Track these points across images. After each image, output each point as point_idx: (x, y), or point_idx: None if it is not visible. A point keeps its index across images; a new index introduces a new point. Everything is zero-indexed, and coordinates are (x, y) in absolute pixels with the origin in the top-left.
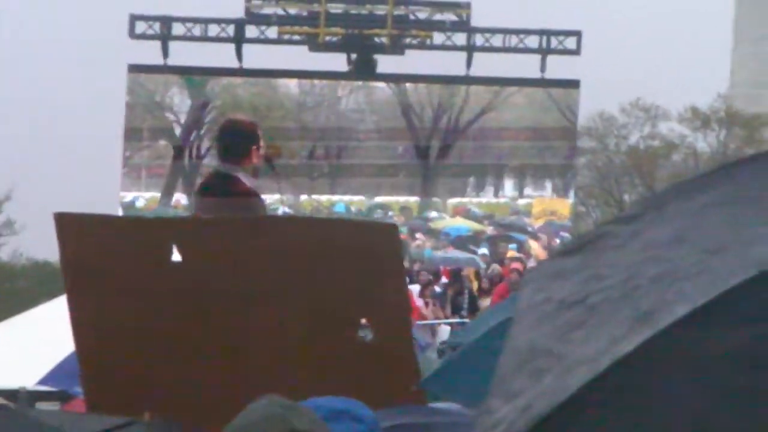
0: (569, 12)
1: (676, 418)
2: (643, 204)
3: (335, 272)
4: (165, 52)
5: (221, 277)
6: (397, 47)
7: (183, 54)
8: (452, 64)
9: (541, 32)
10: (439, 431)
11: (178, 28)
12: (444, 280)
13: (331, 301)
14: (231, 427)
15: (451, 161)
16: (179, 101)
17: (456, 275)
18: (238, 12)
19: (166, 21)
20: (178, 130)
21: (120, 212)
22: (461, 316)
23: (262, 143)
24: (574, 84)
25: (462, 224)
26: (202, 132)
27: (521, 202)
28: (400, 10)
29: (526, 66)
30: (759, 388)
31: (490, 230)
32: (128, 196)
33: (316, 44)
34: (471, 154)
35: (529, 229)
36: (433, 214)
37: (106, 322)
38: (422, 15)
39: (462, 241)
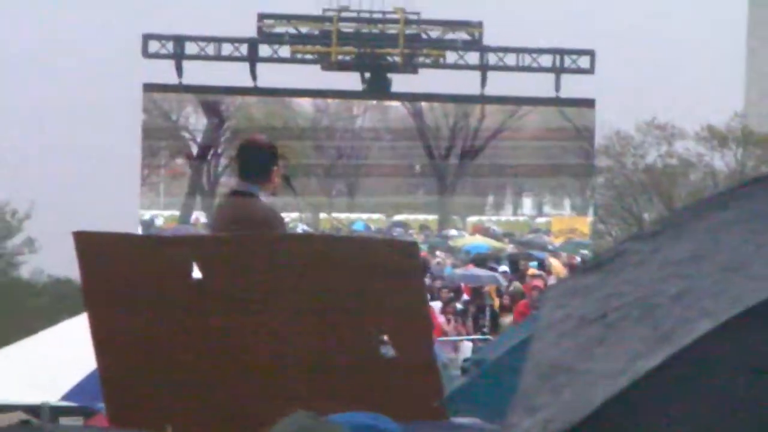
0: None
1: None
2: (662, 222)
3: (356, 289)
4: (179, 71)
5: (241, 294)
6: (409, 66)
7: (197, 73)
8: (466, 83)
9: (554, 51)
10: None
11: (191, 48)
12: (465, 297)
13: (352, 317)
14: None
15: (468, 179)
16: (194, 120)
17: (477, 292)
18: (251, 31)
19: (179, 40)
20: (194, 149)
21: (139, 230)
22: (483, 333)
23: (281, 163)
24: (589, 103)
25: (481, 242)
26: (219, 150)
27: (540, 220)
28: (412, 29)
29: (541, 85)
30: None
31: (510, 248)
32: (147, 215)
33: (328, 63)
34: (488, 172)
35: (549, 246)
36: (453, 232)
37: (127, 339)
38: (434, 34)
39: (481, 259)
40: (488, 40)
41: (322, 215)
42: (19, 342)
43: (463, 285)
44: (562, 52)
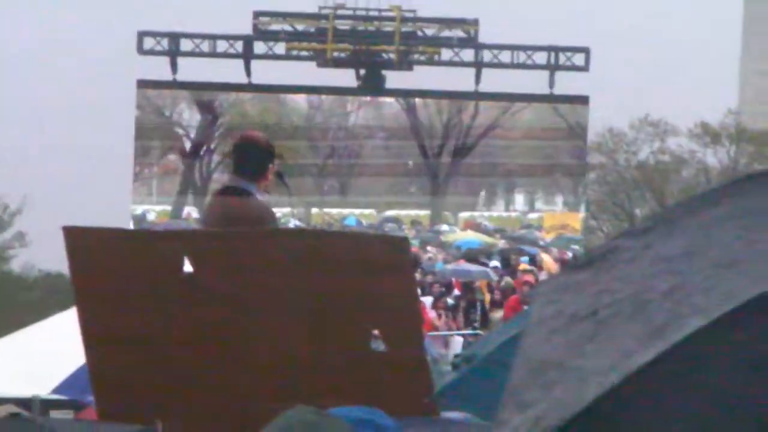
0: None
1: (689, 431)
2: (654, 218)
3: (346, 284)
4: (174, 68)
5: (232, 289)
6: (405, 63)
7: (191, 69)
8: (461, 80)
9: (549, 48)
10: None
11: (186, 44)
12: (456, 292)
13: (342, 312)
14: None
15: (461, 176)
16: (188, 116)
17: (468, 287)
18: (246, 28)
19: (174, 37)
20: (187, 145)
21: (131, 225)
22: (473, 328)
23: (276, 161)
24: (583, 100)
25: (473, 237)
26: (212, 146)
27: (532, 215)
28: (408, 27)
29: (535, 82)
30: None
31: (501, 243)
32: (139, 209)
33: (324, 60)
34: (481, 168)
35: (541, 242)
36: (444, 227)
37: (116, 332)
38: (430, 31)
39: (473, 254)
40: (483, 37)
41: (314, 210)
42: (10, 335)
43: (453, 280)
44: (556, 50)
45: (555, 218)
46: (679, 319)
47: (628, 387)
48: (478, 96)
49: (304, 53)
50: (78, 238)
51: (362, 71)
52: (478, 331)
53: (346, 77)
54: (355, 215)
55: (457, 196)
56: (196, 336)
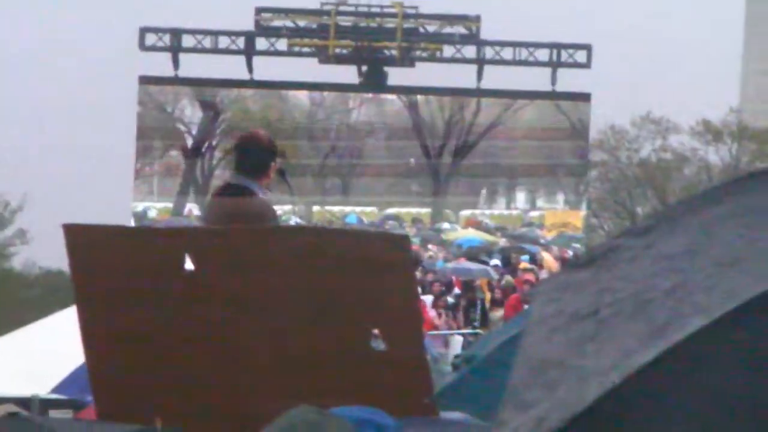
0: (579, 25)
1: (690, 430)
2: (656, 217)
3: (346, 282)
4: (175, 64)
5: (232, 286)
6: (407, 60)
7: (193, 66)
8: (462, 76)
9: (551, 45)
10: None
11: (188, 40)
12: (457, 290)
13: (342, 310)
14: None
15: (462, 174)
16: (190, 112)
17: (468, 286)
18: (248, 24)
19: (176, 33)
20: (189, 141)
21: (132, 222)
22: (474, 327)
23: (279, 160)
24: (585, 97)
25: (474, 236)
26: (214, 143)
27: (533, 214)
28: (410, 23)
29: (537, 79)
30: None
31: (502, 242)
32: (140, 207)
33: (326, 56)
34: (482, 166)
35: (542, 240)
36: (445, 225)
37: (116, 330)
38: (432, 28)
39: (474, 253)
40: (485, 34)
41: (315, 208)
42: (10, 334)
43: (454, 278)
44: (559, 47)
45: (556, 216)
46: (680, 318)
47: (629, 387)
48: (480, 93)
49: (306, 50)
50: (78, 236)
51: (364, 68)
52: (478, 330)
53: (348, 74)
54: (356, 213)
55: (458, 194)
56: (197, 334)
